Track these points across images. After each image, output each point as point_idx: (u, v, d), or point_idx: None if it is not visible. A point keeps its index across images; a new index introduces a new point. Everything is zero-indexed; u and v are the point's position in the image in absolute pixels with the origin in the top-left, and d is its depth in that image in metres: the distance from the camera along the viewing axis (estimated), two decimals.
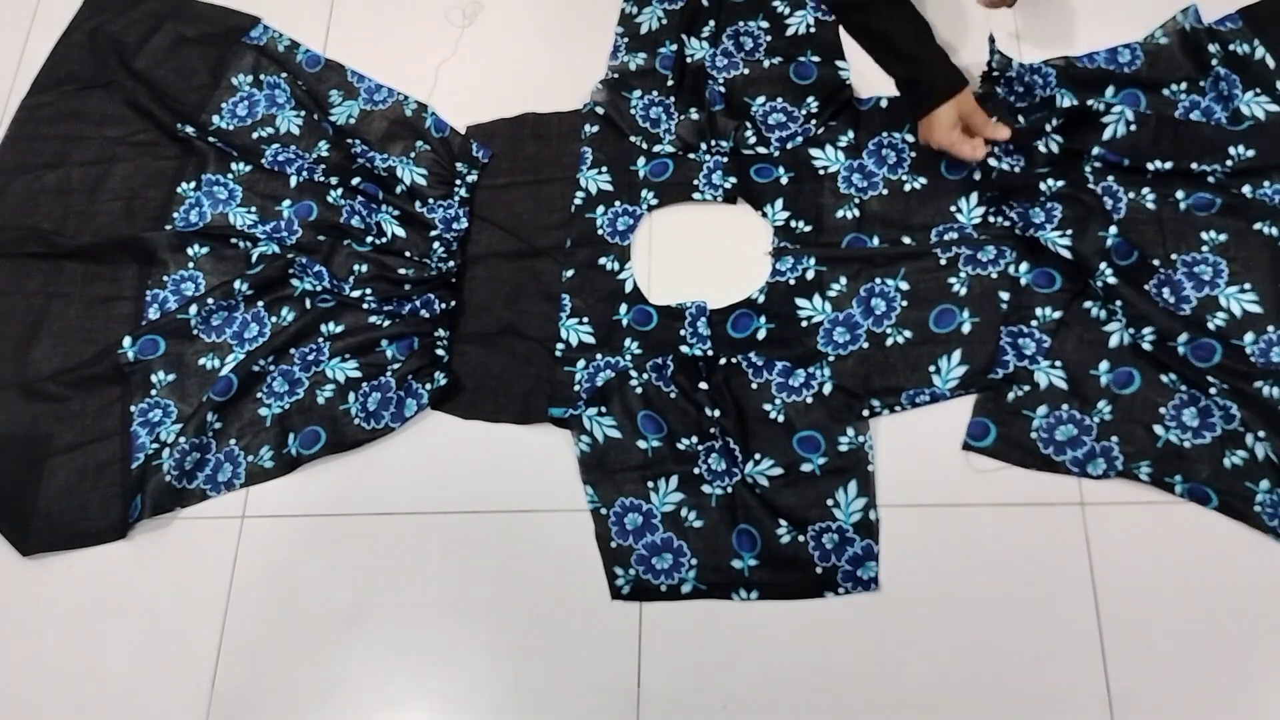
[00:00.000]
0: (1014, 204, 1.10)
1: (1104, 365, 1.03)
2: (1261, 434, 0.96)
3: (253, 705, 1.02)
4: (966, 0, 1.18)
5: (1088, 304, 1.06)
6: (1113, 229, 1.05)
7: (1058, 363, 1.04)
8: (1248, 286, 1.03)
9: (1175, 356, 1.00)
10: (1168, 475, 0.98)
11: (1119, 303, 1.03)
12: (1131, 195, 1.08)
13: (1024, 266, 1.08)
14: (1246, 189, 1.07)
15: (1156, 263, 1.05)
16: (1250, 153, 1.08)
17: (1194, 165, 1.07)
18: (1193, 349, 1.00)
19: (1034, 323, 1.06)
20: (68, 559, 1.11)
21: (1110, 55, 1.16)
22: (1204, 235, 1.06)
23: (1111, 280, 1.03)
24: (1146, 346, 1.02)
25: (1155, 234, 1.07)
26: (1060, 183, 1.09)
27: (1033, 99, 1.13)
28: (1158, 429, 1.00)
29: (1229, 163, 1.07)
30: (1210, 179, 1.07)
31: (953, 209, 1.14)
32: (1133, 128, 1.09)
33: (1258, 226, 1.05)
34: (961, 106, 1.07)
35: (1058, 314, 1.05)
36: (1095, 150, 1.09)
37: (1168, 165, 1.08)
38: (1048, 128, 1.10)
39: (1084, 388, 1.03)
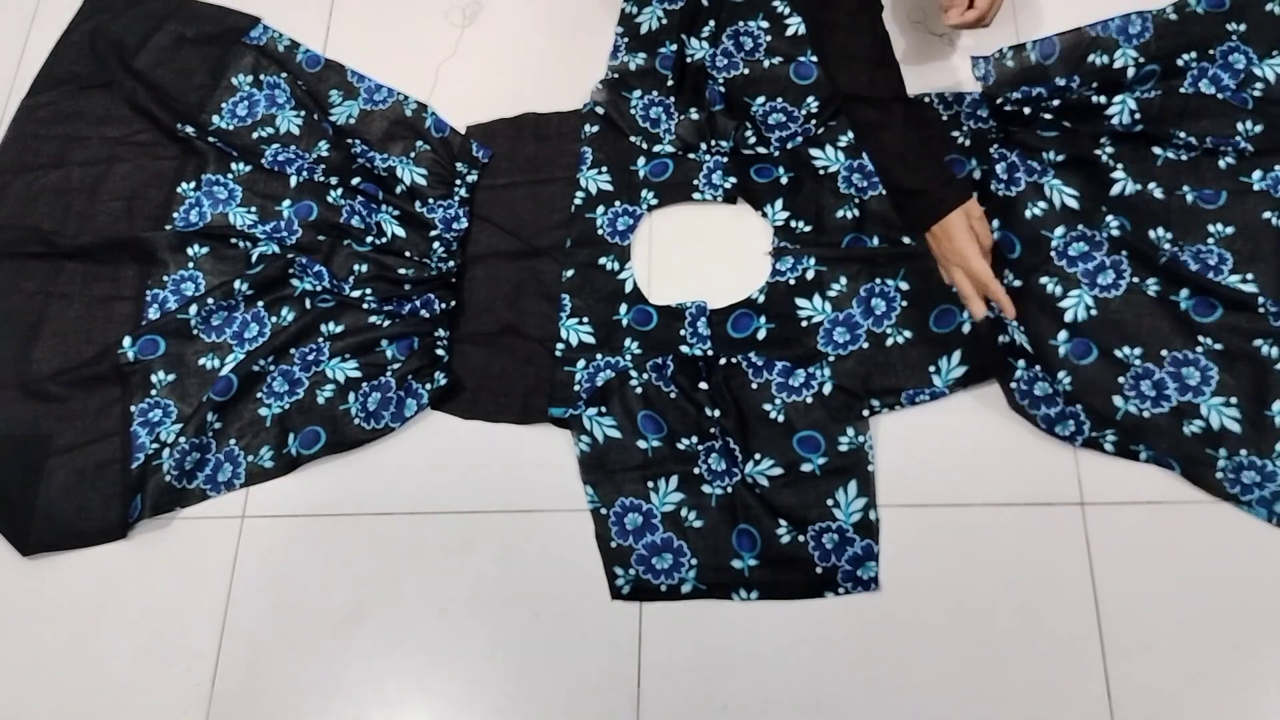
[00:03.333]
0: (1011, 152, 1.11)
1: (1062, 335, 1.04)
2: (1221, 401, 0.97)
3: (253, 705, 1.02)
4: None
5: (1044, 280, 1.06)
6: (1118, 175, 1.06)
7: (1022, 328, 1.04)
8: (1250, 277, 1.03)
9: (1175, 311, 1.02)
10: (1132, 444, 0.99)
11: (1124, 253, 1.04)
12: (1139, 187, 1.08)
13: (995, 224, 1.08)
14: (1257, 174, 1.07)
15: (1162, 231, 1.06)
16: (1258, 128, 1.08)
17: (1208, 141, 1.08)
18: (1194, 305, 1.01)
19: None
20: (68, 559, 1.11)
21: (1122, 24, 1.16)
22: (1211, 228, 1.06)
23: (1116, 232, 1.05)
24: (1150, 294, 1.03)
25: (1164, 223, 1.07)
26: (1062, 155, 1.10)
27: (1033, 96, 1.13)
28: (1116, 400, 1.01)
29: (1238, 139, 1.08)
30: (1220, 163, 1.08)
31: None
32: (1136, 115, 1.09)
33: (1266, 216, 1.05)
34: (970, 211, 0.97)
35: (1018, 283, 1.06)
36: (1106, 123, 1.09)
37: (1181, 133, 1.08)
38: (1048, 114, 1.11)
39: (1046, 356, 1.03)
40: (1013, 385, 1.03)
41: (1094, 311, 1.04)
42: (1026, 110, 1.12)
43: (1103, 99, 1.10)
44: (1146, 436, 0.99)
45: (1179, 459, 0.98)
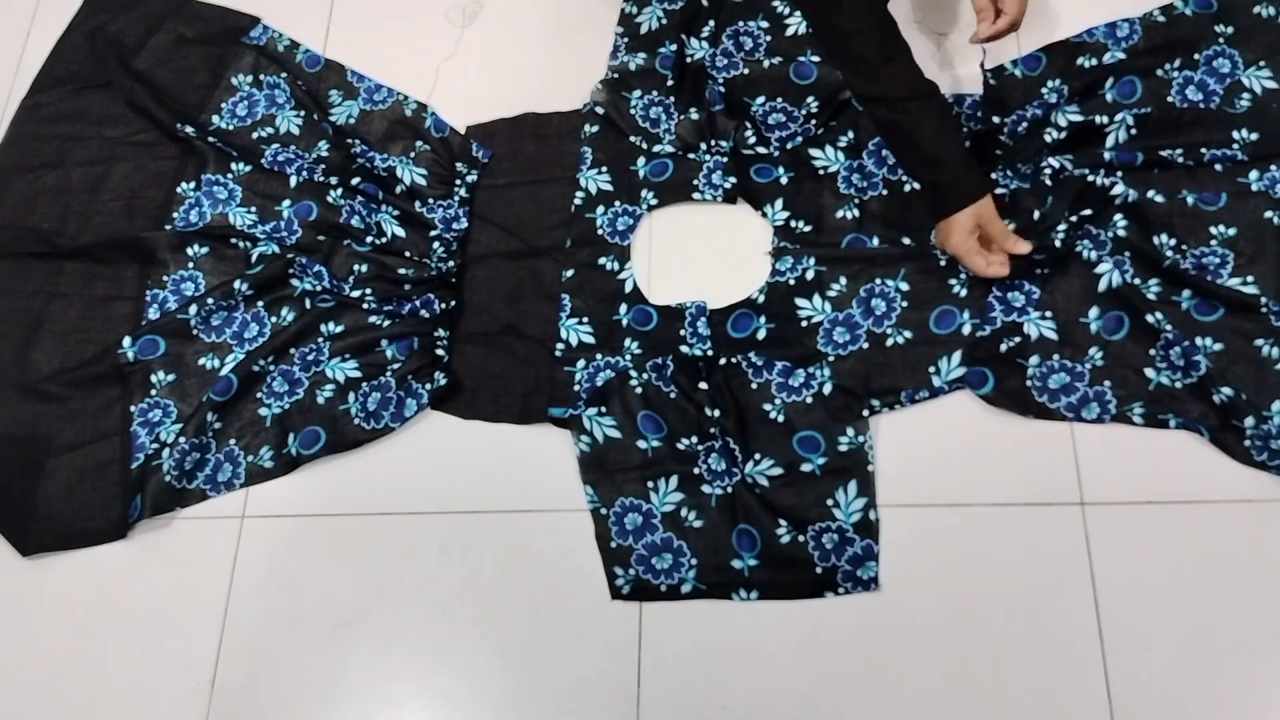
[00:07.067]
0: (1010, 180, 1.13)
1: (1093, 312, 1.04)
2: (1229, 391, 0.98)
3: (253, 705, 1.02)
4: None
5: (1079, 246, 1.06)
6: (1119, 190, 1.06)
7: (1048, 313, 1.05)
8: (1250, 279, 1.03)
9: (1175, 311, 1.02)
10: (1160, 414, 1.00)
11: (1127, 253, 1.05)
12: (1138, 195, 1.08)
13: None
14: (1254, 175, 1.07)
15: (1166, 237, 1.06)
16: (1254, 136, 1.08)
17: (1204, 151, 1.08)
18: (1196, 305, 1.02)
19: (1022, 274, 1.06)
20: (68, 559, 1.11)
21: (1109, 30, 1.17)
22: (1213, 229, 1.06)
23: (1123, 233, 1.05)
24: (1151, 296, 1.03)
25: (1167, 229, 1.07)
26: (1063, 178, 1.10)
27: (1031, 124, 1.13)
28: (1149, 372, 1.01)
29: (1234, 147, 1.08)
30: (1217, 167, 1.08)
31: None
32: (1133, 131, 1.09)
33: (1269, 215, 1.06)
34: (980, 214, 1.02)
35: (1040, 257, 1.06)
36: (1105, 155, 1.09)
37: (1179, 153, 1.08)
38: (1049, 139, 1.11)
39: (1075, 336, 1.04)
40: (1028, 384, 1.03)
41: (1128, 277, 1.04)
42: (1022, 129, 1.12)
43: (1102, 119, 1.10)
44: (1177, 406, 1.00)
45: (1208, 426, 0.99)
